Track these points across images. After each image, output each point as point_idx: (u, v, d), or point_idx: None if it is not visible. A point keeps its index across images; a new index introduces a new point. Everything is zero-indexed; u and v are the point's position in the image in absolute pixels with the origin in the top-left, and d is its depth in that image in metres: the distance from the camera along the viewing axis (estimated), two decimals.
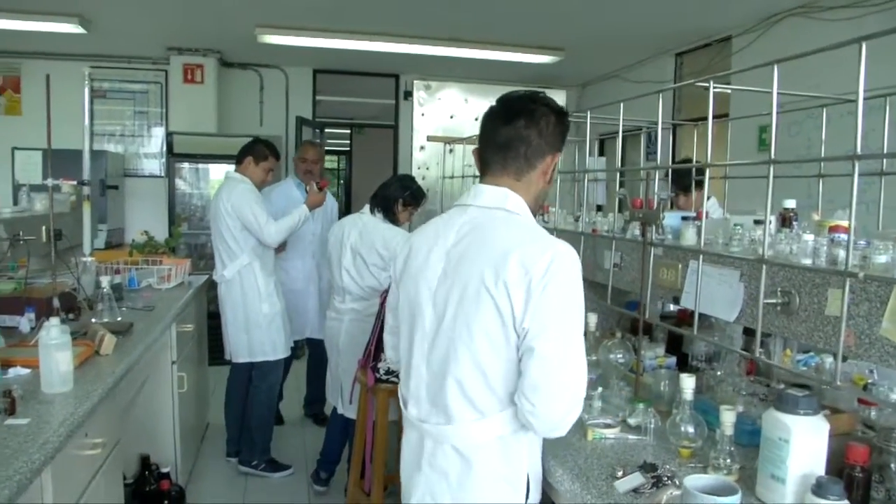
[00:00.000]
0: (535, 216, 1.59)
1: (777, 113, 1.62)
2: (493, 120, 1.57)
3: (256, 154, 3.87)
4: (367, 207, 3.39)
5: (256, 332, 3.80)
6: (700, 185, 3.39)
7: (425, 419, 1.56)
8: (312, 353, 4.63)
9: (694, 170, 3.17)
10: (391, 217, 3.33)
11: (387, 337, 1.84)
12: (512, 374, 1.44)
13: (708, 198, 3.46)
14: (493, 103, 1.61)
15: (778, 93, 1.59)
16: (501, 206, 1.52)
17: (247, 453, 3.86)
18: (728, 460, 1.54)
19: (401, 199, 3.33)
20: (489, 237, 1.47)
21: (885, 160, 2.03)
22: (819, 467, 1.36)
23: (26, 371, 2.17)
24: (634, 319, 2.46)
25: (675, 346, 2.54)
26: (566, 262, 1.41)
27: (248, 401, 3.90)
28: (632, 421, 1.86)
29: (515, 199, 1.53)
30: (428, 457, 1.55)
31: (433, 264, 1.54)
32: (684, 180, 3.35)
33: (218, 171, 6.28)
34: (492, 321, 1.41)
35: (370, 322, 3.03)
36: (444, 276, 1.51)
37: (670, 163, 3.86)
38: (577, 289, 1.42)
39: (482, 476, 1.49)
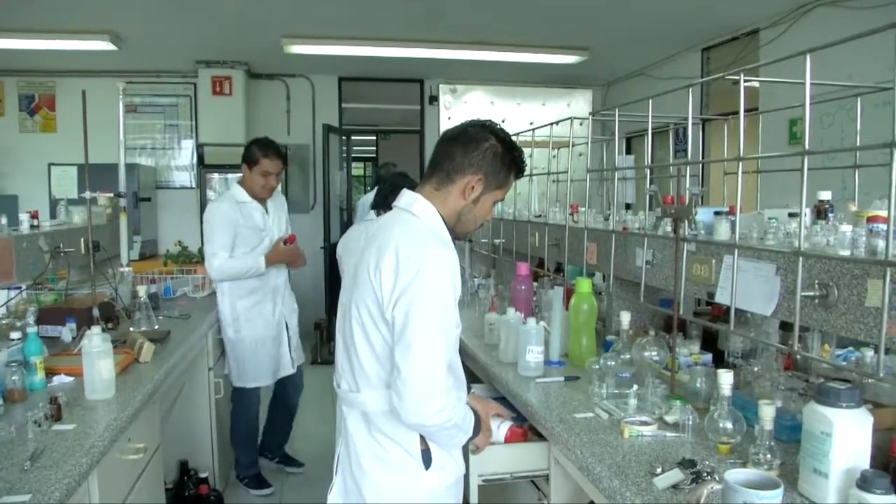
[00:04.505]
0: (455, 233, 1.74)
1: (810, 104, 1.60)
2: (440, 138, 1.79)
3: (247, 158, 3.46)
4: (372, 213, 3.38)
5: (228, 356, 3.60)
6: None
7: (341, 385, 1.78)
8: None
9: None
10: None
11: None
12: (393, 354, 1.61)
13: None
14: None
15: (811, 83, 1.57)
16: (409, 208, 1.70)
17: (237, 466, 3.82)
18: (768, 455, 1.51)
19: None
20: (385, 233, 1.66)
21: None
22: (863, 461, 1.34)
23: (70, 379, 2.24)
24: (668, 317, 2.44)
25: (710, 342, 2.51)
26: (434, 268, 1.56)
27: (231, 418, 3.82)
28: (669, 418, 1.85)
29: (423, 205, 1.70)
30: (344, 418, 1.78)
31: (353, 254, 1.78)
32: None
33: None
34: (372, 303, 1.61)
35: None
36: (354, 264, 1.73)
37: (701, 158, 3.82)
38: (439, 292, 1.56)
39: (379, 439, 1.69)
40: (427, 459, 1.69)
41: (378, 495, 1.70)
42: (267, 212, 3.57)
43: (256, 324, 3.54)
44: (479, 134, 1.71)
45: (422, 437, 1.68)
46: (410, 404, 1.55)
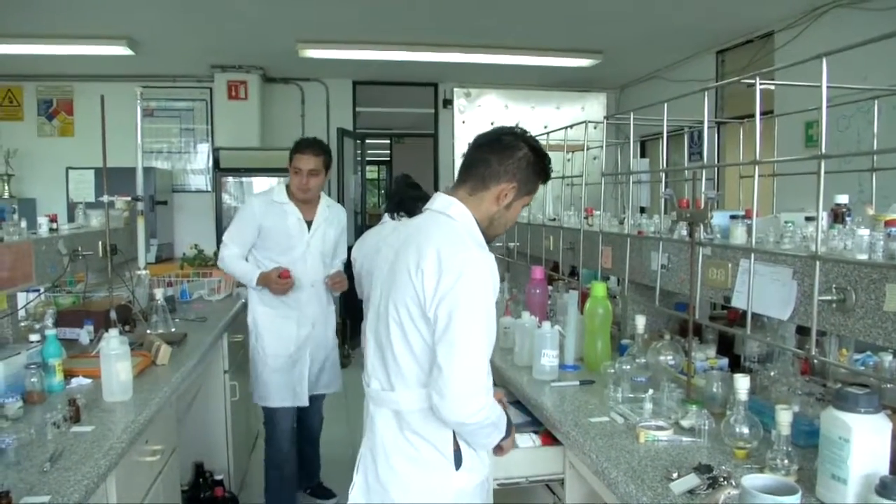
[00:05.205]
0: (486, 236, 1.76)
1: (826, 107, 1.59)
2: (472, 143, 1.81)
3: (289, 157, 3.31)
4: (386, 217, 3.49)
5: (250, 367, 3.45)
6: None
7: (371, 384, 1.79)
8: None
9: None
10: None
11: None
12: (433, 353, 1.62)
13: None
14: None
15: (827, 86, 1.56)
16: (445, 211, 1.73)
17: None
18: (786, 461, 1.51)
19: (420, 202, 3.43)
20: (423, 234, 1.68)
21: None
22: (882, 467, 1.32)
23: (88, 381, 2.26)
24: (683, 321, 2.43)
25: (726, 347, 2.50)
26: (477, 269, 1.59)
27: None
28: (685, 423, 1.84)
29: (459, 208, 1.72)
30: (372, 417, 1.79)
31: (385, 256, 1.79)
32: None
33: (262, 184, 6.42)
34: (412, 302, 1.62)
35: None
36: (388, 266, 1.75)
37: (716, 161, 3.80)
38: (481, 293, 1.59)
39: (411, 438, 1.70)
40: (458, 459, 1.71)
41: (407, 495, 1.71)
42: (309, 222, 3.32)
43: (278, 336, 3.33)
44: (513, 142, 1.75)
45: (454, 437, 1.70)
46: (453, 402, 1.57)
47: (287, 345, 3.33)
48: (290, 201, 3.28)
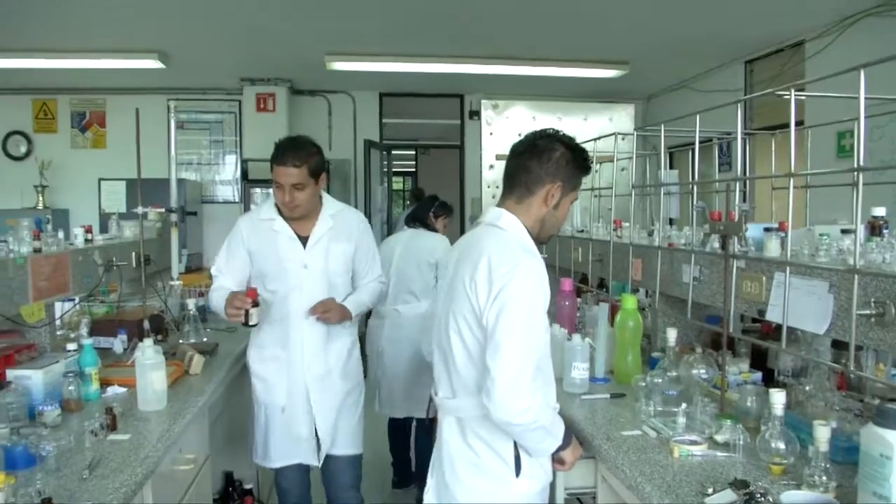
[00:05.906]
0: (540, 238, 1.86)
1: (865, 118, 1.57)
2: (510, 153, 1.87)
3: None
4: (404, 226, 3.89)
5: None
6: None
7: (439, 393, 1.88)
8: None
9: None
10: (429, 228, 3.80)
11: None
12: None
13: None
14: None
15: (865, 98, 1.54)
16: (495, 223, 1.81)
17: None
18: (824, 477, 1.48)
19: (432, 210, 3.80)
20: (476, 247, 1.76)
21: None
22: None
23: (123, 390, 2.30)
24: (715, 334, 2.41)
25: (758, 360, 2.47)
26: (525, 275, 1.66)
27: None
28: (719, 438, 1.82)
29: (508, 218, 1.81)
30: (440, 424, 1.88)
31: (444, 272, 1.90)
32: None
33: None
34: (468, 313, 1.71)
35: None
36: (448, 280, 1.85)
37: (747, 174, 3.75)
38: (527, 297, 1.65)
39: (473, 444, 1.78)
40: (518, 466, 1.75)
41: (471, 499, 1.78)
42: (305, 238, 2.63)
43: (267, 383, 2.68)
44: (548, 144, 1.82)
45: (514, 444, 1.74)
46: (499, 402, 1.62)
47: (276, 395, 2.66)
48: (280, 216, 2.64)
